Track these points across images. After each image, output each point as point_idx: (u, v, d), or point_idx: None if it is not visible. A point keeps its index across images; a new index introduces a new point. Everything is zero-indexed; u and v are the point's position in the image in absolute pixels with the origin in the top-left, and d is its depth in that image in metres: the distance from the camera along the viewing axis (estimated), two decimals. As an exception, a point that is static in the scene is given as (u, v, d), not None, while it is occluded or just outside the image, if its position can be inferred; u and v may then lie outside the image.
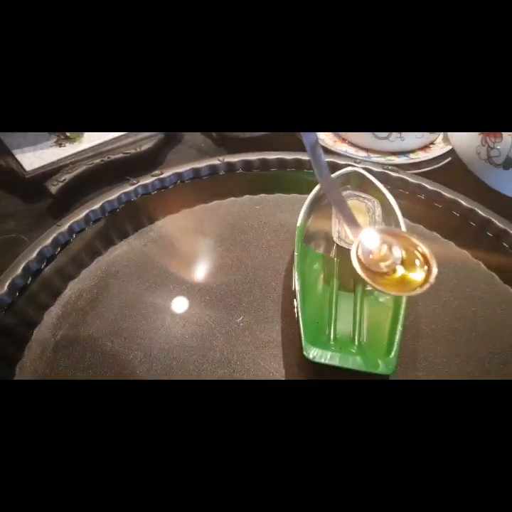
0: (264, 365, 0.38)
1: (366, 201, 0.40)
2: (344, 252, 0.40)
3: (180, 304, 0.41)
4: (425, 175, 0.52)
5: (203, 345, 0.38)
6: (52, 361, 0.37)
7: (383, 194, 0.41)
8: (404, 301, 0.37)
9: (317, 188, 0.41)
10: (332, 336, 0.38)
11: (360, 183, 0.42)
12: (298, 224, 0.39)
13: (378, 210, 0.40)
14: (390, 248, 0.26)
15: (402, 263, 0.26)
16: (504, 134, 0.48)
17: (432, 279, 0.25)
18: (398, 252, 0.26)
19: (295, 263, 0.38)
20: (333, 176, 0.42)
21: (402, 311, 0.37)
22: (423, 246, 0.26)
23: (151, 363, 0.37)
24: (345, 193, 0.41)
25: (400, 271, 0.26)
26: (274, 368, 0.38)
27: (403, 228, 0.40)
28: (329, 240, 0.40)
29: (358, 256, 0.26)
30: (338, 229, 0.39)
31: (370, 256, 0.26)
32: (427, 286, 0.25)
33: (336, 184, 0.28)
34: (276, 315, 0.40)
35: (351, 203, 0.40)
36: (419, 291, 0.25)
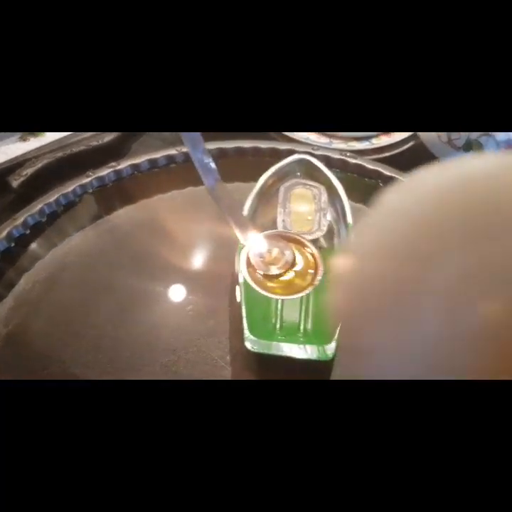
0: (208, 353, 0.38)
1: (313, 188, 0.40)
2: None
3: (131, 294, 0.41)
4: (389, 159, 0.52)
5: (150, 333, 0.39)
6: (2, 353, 0.38)
7: (330, 180, 0.41)
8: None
9: (263, 178, 0.41)
10: (278, 326, 0.39)
11: (308, 171, 0.42)
12: (244, 214, 0.40)
13: (324, 197, 0.40)
14: (281, 251, 0.26)
15: (294, 265, 0.27)
16: (463, 116, 0.47)
17: (316, 281, 0.25)
18: (289, 255, 0.26)
19: (238, 256, 0.38)
20: (281, 164, 0.42)
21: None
22: (313, 247, 0.26)
23: (97, 353, 0.38)
24: (291, 181, 0.41)
25: (292, 272, 0.27)
26: (218, 356, 0.38)
27: (348, 214, 0.40)
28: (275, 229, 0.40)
29: (248, 260, 0.26)
30: (283, 218, 0.39)
31: (261, 259, 0.26)
32: (310, 288, 0.26)
33: (226, 190, 0.27)
34: (224, 304, 0.40)
35: (298, 191, 0.40)
36: (303, 292, 0.26)
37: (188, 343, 0.39)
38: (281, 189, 0.40)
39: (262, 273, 0.26)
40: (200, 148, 0.26)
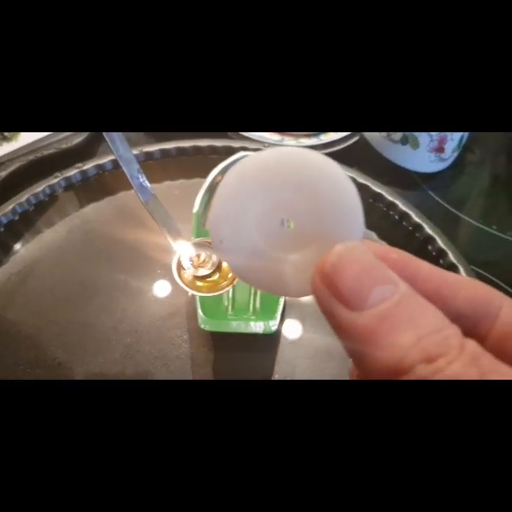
0: (167, 333, 0.43)
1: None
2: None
3: (98, 284, 0.46)
4: (337, 153, 0.56)
5: (115, 317, 0.43)
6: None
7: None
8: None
9: (213, 173, 0.46)
10: (230, 307, 0.43)
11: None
12: (194, 210, 0.44)
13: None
14: (208, 255, 0.31)
15: (220, 266, 0.31)
16: (399, 112, 0.52)
17: (235, 281, 0.30)
18: (215, 258, 0.31)
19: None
20: (228, 161, 0.46)
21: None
22: None
23: (67, 337, 0.42)
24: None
25: (217, 274, 0.31)
26: (176, 335, 0.42)
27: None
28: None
29: (179, 263, 0.30)
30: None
31: (191, 262, 0.30)
32: (230, 286, 0.30)
33: (159, 204, 0.32)
34: (182, 289, 0.45)
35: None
36: (224, 290, 0.30)
37: (148, 324, 0.43)
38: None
39: (192, 274, 0.31)
40: (135, 169, 0.30)
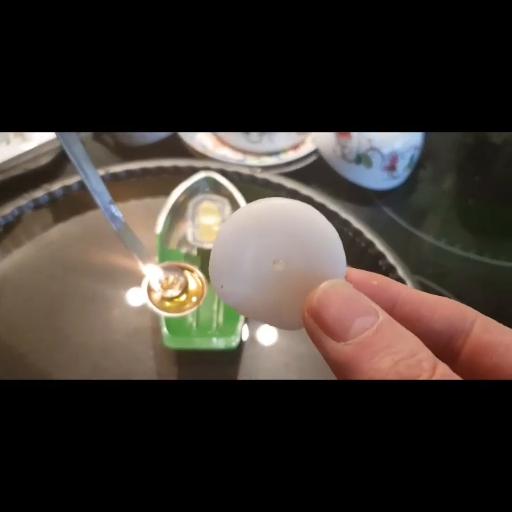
0: (133, 349, 0.45)
1: (218, 203, 0.47)
2: (203, 251, 0.46)
3: (65, 301, 0.47)
4: (296, 172, 0.59)
5: (83, 335, 0.45)
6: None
7: (232, 194, 0.48)
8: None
9: (175, 194, 0.48)
10: (195, 324, 0.45)
11: (214, 186, 0.49)
12: (158, 232, 0.46)
13: (227, 209, 0.47)
14: (176, 277, 0.33)
15: (187, 287, 0.33)
16: (352, 134, 0.55)
17: (201, 301, 0.32)
18: (183, 280, 0.33)
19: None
20: (189, 182, 0.49)
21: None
22: (200, 273, 0.33)
23: (36, 354, 0.44)
24: (198, 197, 0.48)
25: (184, 295, 0.33)
26: (141, 351, 0.45)
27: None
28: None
29: (149, 286, 0.33)
30: (193, 231, 0.45)
31: (160, 285, 0.33)
32: (196, 306, 0.33)
33: (130, 232, 0.34)
34: (147, 307, 0.47)
35: (205, 205, 0.47)
36: (191, 310, 0.33)
37: (115, 341, 0.45)
38: (190, 205, 0.46)
39: (161, 296, 0.33)
40: (107, 200, 0.32)
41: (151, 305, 0.33)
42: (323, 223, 0.19)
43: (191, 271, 0.34)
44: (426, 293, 0.20)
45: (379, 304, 0.19)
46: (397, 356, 0.16)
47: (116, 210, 0.34)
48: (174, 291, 0.34)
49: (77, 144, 0.30)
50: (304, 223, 0.19)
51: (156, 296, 0.34)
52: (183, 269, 0.34)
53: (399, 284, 0.20)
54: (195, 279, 0.34)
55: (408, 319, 0.18)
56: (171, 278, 0.34)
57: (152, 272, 0.33)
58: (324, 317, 0.17)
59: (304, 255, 0.19)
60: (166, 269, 0.34)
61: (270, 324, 0.20)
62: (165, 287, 0.34)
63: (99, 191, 0.33)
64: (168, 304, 0.34)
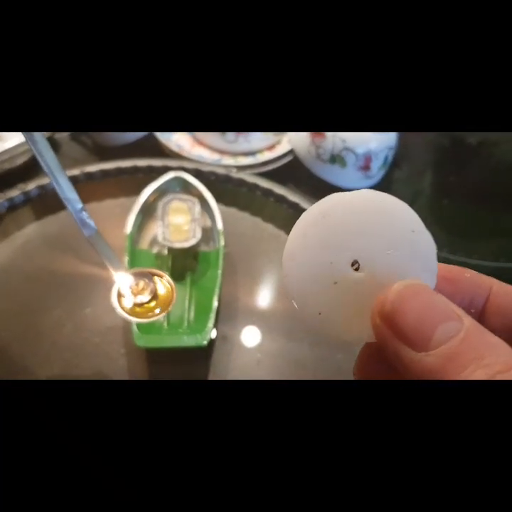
0: (104, 348, 0.45)
1: (187, 201, 0.47)
2: (174, 250, 0.47)
3: (39, 300, 0.47)
4: (272, 172, 0.59)
5: (55, 333, 0.45)
6: None
7: (202, 193, 0.48)
8: (218, 287, 0.45)
9: (145, 194, 0.48)
10: (166, 323, 0.45)
11: (185, 186, 0.50)
12: (128, 232, 0.46)
13: (197, 208, 0.47)
14: (146, 282, 0.33)
15: (157, 293, 0.34)
16: (327, 134, 0.55)
17: (170, 307, 0.33)
18: (152, 286, 0.33)
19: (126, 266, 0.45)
20: (159, 182, 0.49)
21: (215, 295, 0.44)
22: (169, 278, 0.34)
23: (8, 352, 0.44)
24: (168, 197, 0.48)
25: (153, 301, 0.34)
26: (113, 350, 0.45)
27: (218, 221, 0.47)
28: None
29: (119, 292, 0.33)
30: (163, 231, 0.46)
31: (130, 290, 0.33)
32: (166, 311, 0.33)
33: (101, 238, 0.34)
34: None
35: (175, 204, 0.47)
36: (161, 315, 0.33)
37: (86, 340, 0.45)
38: (160, 204, 0.47)
39: (131, 302, 0.33)
40: (79, 207, 0.33)
41: (120, 311, 0.33)
42: (405, 213, 0.17)
43: (161, 276, 0.34)
44: None
45: (473, 298, 0.17)
46: (491, 370, 0.14)
47: (87, 216, 0.34)
48: (144, 297, 0.34)
49: (48, 151, 0.30)
50: (382, 215, 0.17)
51: (126, 302, 0.34)
52: (152, 274, 0.34)
53: (489, 278, 0.18)
54: (164, 285, 0.35)
55: (503, 314, 0.17)
56: (141, 284, 0.34)
57: (122, 279, 0.34)
58: (401, 323, 0.15)
59: (384, 253, 0.17)
60: (136, 275, 0.34)
61: (339, 338, 0.18)
62: (135, 293, 0.34)
63: (71, 198, 0.33)
64: (137, 309, 0.35)
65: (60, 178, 0.31)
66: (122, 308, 0.34)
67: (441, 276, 0.17)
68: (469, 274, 0.18)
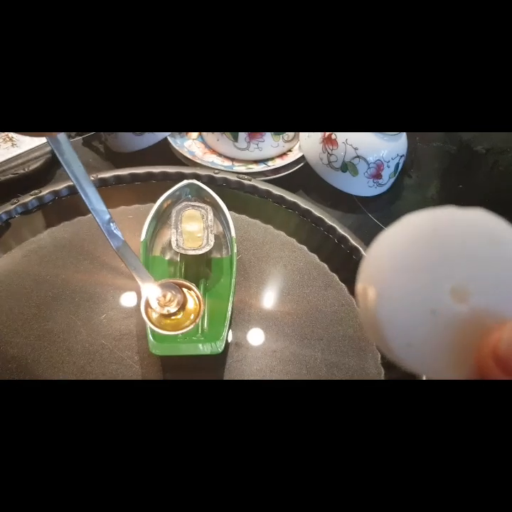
0: (119, 354, 0.45)
1: (200, 209, 0.48)
2: (187, 257, 0.47)
3: (53, 306, 0.48)
4: (283, 179, 0.60)
5: (69, 339, 0.46)
6: None
7: (215, 200, 0.49)
8: (232, 294, 0.45)
9: (158, 203, 0.49)
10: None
11: (197, 193, 0.50)
12: (142, 239, 0.47)
13: (210, 215, 0.47)
14: (173, 294, 0.33)
15: (185, 305, 0.34)
16: (339, 141, 0.56)
17: (198, 320, 0.33)
18: (180, 297, 0.33)
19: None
20: (173, 189, 0.49)
21: (230, 302, 0.45)
22: (197, 290, 0.34)
23: (23, 358, 0.44)
24: (182, 204, 0.48)
25: (181, 313, 0.34)
26: (127, 356, 0.45)
27: (232, 228, 0.48)
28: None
29: (148, 302, 0.33)
30: (177, 238, 0.46)
31: (158, 302, 0.33)
32: (193, 325, 0.33)
33: (129, 249, 0.34)
34: (133, 312, 0.47)
35: (188, 212, 0.48)
36: (187, 329, 0.33)
37: (101, 346, 0.45)
38: (173, 212, 0.47)
39: (158, 313, 0.33)
40: (107, 218, 0.33)
41: (148, 322, 0.33)
42: None
43: (189, 288, 0.34)
44: None
45: None
46: None
47: (115, 227, 0.34)
48: (171, 308, 0.35)
49: (75, 161, 0.31)
50: (497, 246, 0.15)
51: (154, 313, 0.35)
52: (181, 286, 0.35)
53: None
54: (192, 297, 0.35)
55: None
56: (169, 295, 0.35)
57: (150, 290, 0.34)
58: None
59: (494, 287, 0.15)
60: (164, 286, 0.34)
61: (425, 373, 0.16)
62: (162, 304, 0.35)
63: (99, 209, 0.34)
64: (165, 321, 0.35)
65: (88, 189, 0.31)
66: (150, 319, 0.34)
67: None
68: None
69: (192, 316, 0.35)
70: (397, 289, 0.15)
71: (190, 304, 0.35)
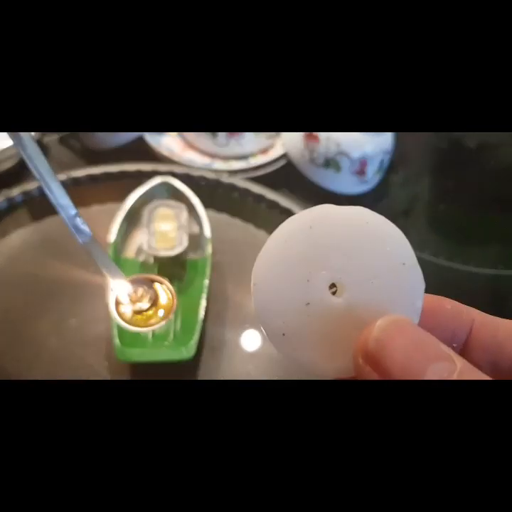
0: (87, 360, 0.43)
1: (175, 208, 0.46)
2: (161, 258, 0.45)
3: (22, 310, 0.46)
4: (265, 177, 0.58)
5: (38, 344, 0.44)
6: None
7: (189, 199, 0.47)
8: (203, 297, 0.43)
9: (130, 201, 0.47)
10: (151, 335, 0.44)
11: (173, 192, 0.48)
12: (111, 240, 0.45)
13: (185, 214, 0.45)
14: (145, 289, 0.32)
15: (157, 300, 0.32)
16: (320, 138, 0.54)
17: (171, 315, 0.31)
18: (152, 292, 0.32)
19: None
20: (144, 188, 0.48)
21: (201, 305, 0.43)
22: (169, 284, 0.32)
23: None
24: (154, 203, 0.46)
25: (154, 306, 0.32)
26: (96, 362, 0.43)
27: (206, 228, 0.46)
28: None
29: (117, 299, 0.31)
30: (148, 238, 0.44)
31: (128, 298, 0.31)
32: (167, 319, 0.31)
33: (96, 244, 0.32)
34: (103, 317, 0.45)
35: (161, 211, 0.46)
36: (161, 324, 0.31)
37: (70, 352, 0.43)
38: (145, 211, 0.45)
39: (130, 309, 0.32)
40: (72, 213, 0.31)
41: (119, 319, 0.32)
42: (399, 243, 0.16)
43: (161, 282, 0.33)
44: (499, 318, 0.17)
45: (454, 332, 0.16)
46: None
47: (82, 222, 0.33)
48: (143, 304, 0.33)
49: (38, 155, 0.29)
50: (373, 240, 0.16)
51: (125, 309, 0.33)
52: (152, 281, 0.33)
53: (470, 308, 0.17)
54: (165, 292, 0.33)
55: (486, 348, 0.16)
56: (140, 291, 0.33)
57: (120, 286, 0.32)
58: (386, 363, 0.13)
59: (369, 281, 0.15)
60: (135, 282, 0.33)
61: (312, 371, 0.16)
62: (134, 300, 0.33)
63: (64, 204, 0.32)
64: (137, 317, 0.33)
65: (52, 184, 0.30)
66: (120, 316, 0.33)
67: (424, 308, 0.16)
68: (450, 305, 0.17)
69: (164, 312, 0.33)
70: (272, 282, 0.16)
71: (163, 299, 0.33)
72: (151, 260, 0.46)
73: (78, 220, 0.34)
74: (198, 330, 0.42)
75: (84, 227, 0.34)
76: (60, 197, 0.32)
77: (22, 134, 0.30)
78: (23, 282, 0.48)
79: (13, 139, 0.30)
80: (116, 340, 0.40)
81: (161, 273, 0.45)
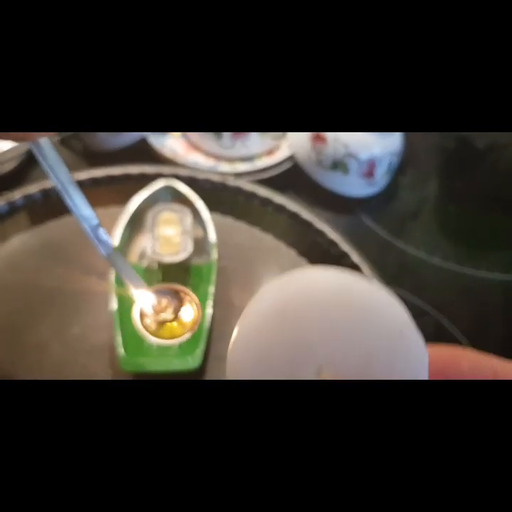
0: (90, 368, 0.42)
1: (179, 212, 0.45)
2: (165, 264, 0.44)
3: (24, 317, 0.45)
4: (271, 179, 0.57)
5: (40, 352, 0.43)
6: None
7: (194, 204, 0.45)
8: (209, 304, 0.42)
9: (133, 205, 0.46)
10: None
11: (177, 195, 0.47)
12: (115, 245, 0.44)
13: (189, 219, 0.44)
14: (168, 300, 0.31)
15: (180, 310, 0.31)
16: (328, 139, 0.52)
17: (195, 327, 0.30)
18: (176, 303, 0.31)
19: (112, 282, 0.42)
20: (148, 191, 0.46)
21: (206, 312, 0.42)
22: (193, 295, 0.31)
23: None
24: (158, 207, 0.45)
25: (179, 317, 0.31)
26: (99, 370, 0.42)
27: (211, 233, 0.45)
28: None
29: (142, 311, 0.31)
30: (152, 243, 0.43)
31: (152, 309, 0.31)
32: (190, 332, 0.30)
33: (119, 255, 0.32)
34: (106, 325, 0.44)
35: (165, 215, 0.44)
36: (183, 337, 0.31)
37: (72, 360, 0.42)
38: (149, 215, 0.44)
39: (154, 321, 0.31)
40: (95, 224, 0.30)
41: (144, 331, 0.31)
42: (390, 309, 0.14)
43: (185, 293, 0.32)
44: None
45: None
46: None
47: (104, 233, 0.32)
48: (167, 315, 0.32)
49: (59, 165, 0.28)
50: (358, 311, 0.14)
51: (149, 321, 0.32)
52: (176, 291, 0.32)
53: (489, 359, 0.15)
54: (189, 302, 0.33)
55: None
56: (164, 301, 0.32)
57: (144, 297, 0.31)
58: None
59: (362, 360, 0.14)
60: (159, 292, 0.32)
61: None
62: (158, 311, 0.32)
63: (86, 215, 0.31)
64: (161, 328, 0.33)
65: (73, 194, 0.29)
66: (145, 328, 0.32)
67: (433, 370, 0.14)
68: (467, 363, 0.15)
69: (190, 323, 0.32)
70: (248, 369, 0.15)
71: (188, 310, 0.33)
72: (155, 266, 0.44)
73: (101, 231, 0.33)
74: (205, 338, 0.41)
75: (107, 238, 0.33)
76: (82, 207, 0.31)
77: (42, 143, 0.29)
78: (23, 289, 0.47)
79: (33, 149, 0.29)
80: (121, 350, 0.39)
81: (165, 279, 0.44)
